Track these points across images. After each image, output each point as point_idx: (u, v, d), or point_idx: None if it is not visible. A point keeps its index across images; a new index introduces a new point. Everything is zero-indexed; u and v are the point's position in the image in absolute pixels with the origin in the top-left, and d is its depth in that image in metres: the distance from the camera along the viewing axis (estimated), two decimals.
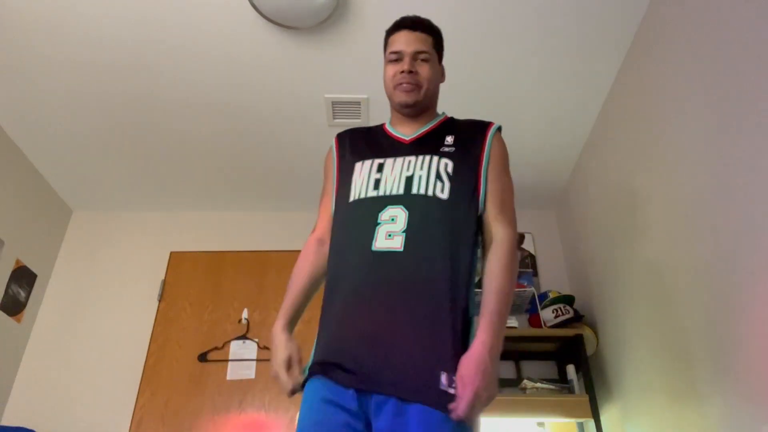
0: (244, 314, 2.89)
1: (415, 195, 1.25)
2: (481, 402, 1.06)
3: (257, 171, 2.94)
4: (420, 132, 1.40)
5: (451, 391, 1.07)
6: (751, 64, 1.48)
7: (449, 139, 1.36)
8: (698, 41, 1.73)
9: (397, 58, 1.39)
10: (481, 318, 1.15)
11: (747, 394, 1.51)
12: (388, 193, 1.27)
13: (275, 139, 2.71)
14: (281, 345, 1.24)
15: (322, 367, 1.17)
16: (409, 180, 1.28)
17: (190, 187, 3.06)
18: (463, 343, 1.14)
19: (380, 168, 1.32)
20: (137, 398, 2.69)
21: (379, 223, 1.23)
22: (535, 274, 3.02)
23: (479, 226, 1.29)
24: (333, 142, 1.49)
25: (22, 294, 2.77)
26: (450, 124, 1.44)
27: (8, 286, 2.65)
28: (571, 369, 2.49)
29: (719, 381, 1.64)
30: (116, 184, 3.03)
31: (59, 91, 2.40)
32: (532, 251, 3.09)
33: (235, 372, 2.75)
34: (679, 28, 1.84)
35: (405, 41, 1.39)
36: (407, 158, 1.32)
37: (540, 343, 2.63)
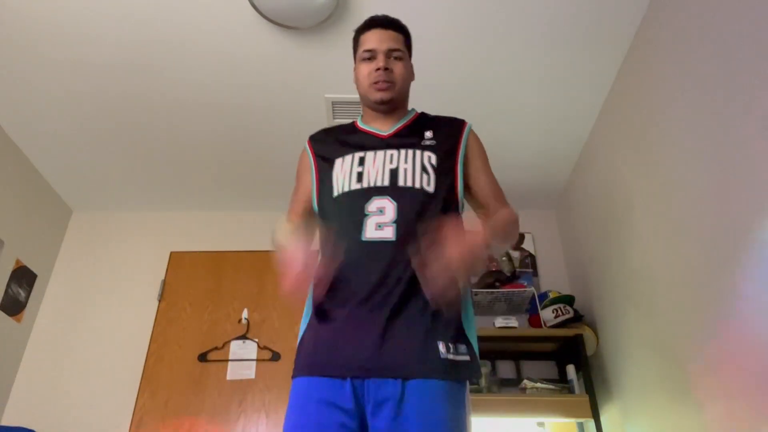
0: (244, 314, 2.89)
1: (402, 187, 1.27)
2: (462, 265, 1.06)
3: (257, 171, 2.94)
4: (397, 127, 1.41)
5: (451, 357, 1.11)
6: (751, 65, 1.48)
7: (428, 134, 1.38)
8: (698, 42, 1.73)
9: (371, 56, 1.39)
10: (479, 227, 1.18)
11: (746, 394, 1.51)
12: (372, 184, 1.28)
13: (275, 139, 2.71)
14: (295, 250, 1.15)
15: (313, 365, 1.16)
16: (393, 172, 1.29)
17: (190, 187, 3.06)
18: (457, 314, 1.18)
19: (361, 161, 1.33)
20: (137, 398, 2.69)
21: (367, 215, 1.24)
22: (535, 274, 3.02)
23: (458, 218, 1.32)
24: (306, 144, 1.48)
25: (22, 294, 2.77)
26: (425, 120, 1.46)
27: (8, 286, 2.65)
28: (571, 369, 2.49)
29: (719, 381, 1.64)
30: (116, 184, 3.03)
31: (59, 91, 2.40)
32: (532, 251, 3.09)
33: (235, 372, 2.75)
34: (679, 29, 1.84)
35: (378, 39, 1.40)
36: (388, 151, 1.33)
37: (540, 343, 2.64)
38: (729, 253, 1.58)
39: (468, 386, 1.17)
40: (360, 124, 1.46)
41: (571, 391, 2.43)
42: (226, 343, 2.82)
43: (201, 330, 2.86)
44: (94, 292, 2.97)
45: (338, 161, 1.36)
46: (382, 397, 1.08)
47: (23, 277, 2.77)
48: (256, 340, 2.82)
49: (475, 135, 1.44)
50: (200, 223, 3.22)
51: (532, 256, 3.07)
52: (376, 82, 1.37)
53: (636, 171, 2.18)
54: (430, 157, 1.32)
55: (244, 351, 2.80)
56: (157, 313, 2.92)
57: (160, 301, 2.96)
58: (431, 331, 1.14)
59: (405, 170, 1.29)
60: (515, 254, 3.05)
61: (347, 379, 1.11)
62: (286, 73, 2.34)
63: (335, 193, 1.31)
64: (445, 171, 1.32)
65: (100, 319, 2.89)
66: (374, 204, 1.25)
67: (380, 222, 1.23)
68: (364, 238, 1.21)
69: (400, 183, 1.27)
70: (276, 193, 3.11)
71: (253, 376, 2.74)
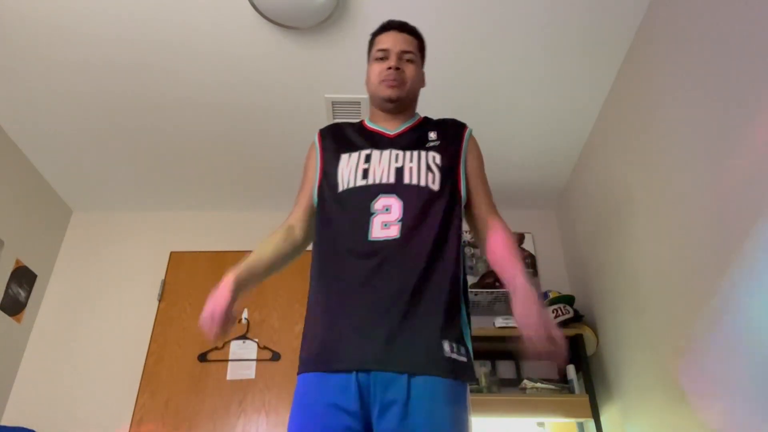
0: (244, 314, 2.89)
1: (407, 185, 1.28)
2: (552, 328, 1.10)
3: (257, 171, 2.94)
4: (403, 127, 1.44)
5: (454, 356, 1.13)
6: (751, 65, 1.48)
7: (432, 135, 1.41)
8: (698, 42, 1.73)
9: (384, 56, 1.43)
10: (505, 265, 1.22)
11: (746, 394, 1.50)
12: (378, 182, 1.29)
13: (275, 138, 2.71)
14: (227, 288, 1.23)
15: (318, 360, 1.16)
16: (399, 171, 1.31)
17: (190, 187, 3.06)
18: (459, 315, 1.21)
19: (368, 158, 1.34)
20: (137, 398, 2.69)
21: (373, 213, 1.25)
22: (535, 274, 3.02)
23: (461, 217, 1.35)
24: (315, 137, 1.50)
25: (22, 294, 2.77)
26: (429, 123, 1.49)
27: (8, 286, 2.65)
28: (571, 369, 2.49)
29: (719, 381, 1.64)
30: (116, 184, 3.03)
31: (59, 91, 2.40)
32: (532, 251, 3.09)
33: (235, 372, 2.75)
34: (679, 29, 1.84)
35: (392, 41, 1.44)
36: (394, 151, 1.35)
37: None
38: (729, 252, 1.58)
39: (468, 388, 1.18)
40: (367, 123, 1.49)
41: (571, 391, 2.43)
42: (226, 343, 2.82)
43: (201, 330, 2.86)
44: (94, 292, 2.97)
45: (344, 157, 1.37)
46: (389, 399, 1.08)
47: (23, 277, 2.77)
48: (256, 340, 2.82)
49: (475, 140, 1.47)
50: (200, 223, 3.22)
51: (532, 257, 3.07)
52: (385, 80, 1.40)
53: (636, 171, 2.18)
54: (435, 157, 1.34)
55: (244, 351, 2.80)
56: (157, 313, 2.92)
57: (160, 301, 2.96)
58: (437, 329, 1.15)
59: (410, 169, 1.31)
60: None
61: (353, 374, 1.10)
62: (286, 73, 2.34)
63: (340, 189, 1.32)
64: (449, 170, 1.35)
65: (100, 319, 2.89)
66: (380, 202, 1.26)
67: (386, 221, 1.24)
68: (370, 238, 1.22)
69: (406, 181, 1.29)
70: (276, 192, 3.11)
71: (253, 376, 2.74)
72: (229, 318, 1.23)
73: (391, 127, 1.44)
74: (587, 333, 2.53)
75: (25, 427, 2.42)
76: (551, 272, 3.03)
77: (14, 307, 2.71)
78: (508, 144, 2.73)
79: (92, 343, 2.83)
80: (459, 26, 2.14)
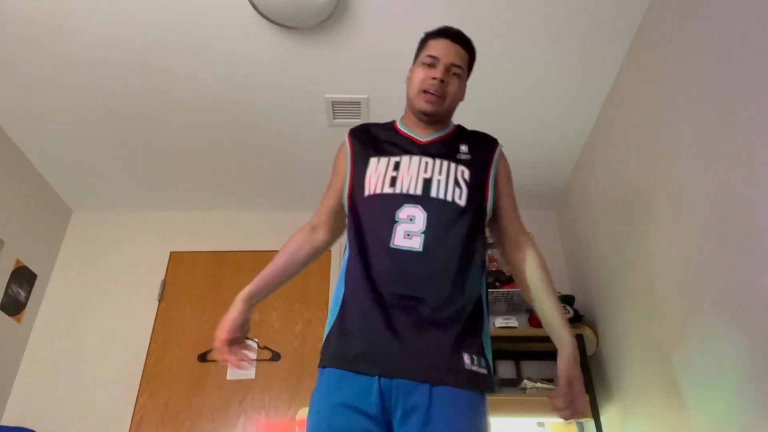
0: None
1: (434, 198, 1.28)
2: (578, 396, 1.23)
3: (257, 171, 2.94)
4: (435, 136, 1.43)
5: (474, 369, 1.15)
6: (751, 62, 1.48)
7: (464, 148, 1.40)
8: (698, 41, 1.73)
9: (432, 63, 1.40)
10: (554, 317, 1.29)
11: (747, 394, 1.51)
12: (404, 191, 1.29)
13: (275, 138, 2.71)
14: (237, 312, 1.35)
15: (344, 358, 1.17)
16: (427, 182, 1.30)
17: (190, 187, 3.06)
18: (480, 329, 1.23)
19: (396, 166, 1.33)
20: (137, 398, 2.69)
21: (397, 221, 1.25)
22: None
23: (484, 232, 1.37)
24: (346, 138, 1.49)
25: (22, 294, 2.77)
26: (462, 133, 1.48)
27: (8, 286, 2.65)
28: None
29: (719, 381, 1.64)
30: (116, 184, 3.03)
31: (59, 90, 2.40)
32: None
33: (235, 372, 2.75)
34: (679, 28, 1.84)
35: (445, 50, 1.41)
36: (423, 159, 1.34)
37: (540, 343, 2.63)
38: (729, 253, 1.58)
39: (486, 398, 1.19)
40: (399, 126, 1.47)
41: None
42: None
43: (201, 330, 2.86)
44: (94, 292, 2.97)
45: (373, 161, 1.37)
46: (411, 404, 1.09)
47: (23, 277, 2.78)
48: (256, 340, 2.82)
49: (504, 157, 1.48)
50: (200, 223, 3.22)
51: None
52: (426, 91, 1.38)
53: (636, 171, 2.18)
54: (464, 172, 1.34)
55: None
56: (157, 313, 2.92)
57: (160, 301, 2.96)
58: (458, 341, 1.16)
59: (438, 181, 1.30)
60: None
61: (375, 378, 1.11)
62: (286, 73, 2.34)
63: (366, 193, 1.32)
64: (477, 186, 1.34)
65: (100, 319, 2.89)
66: (405, 211, 1.26)
67: (409, 231, 1.24)
68: (392, 245, 1.22)
69: (433, 194, 1.28)
70: (276, 192, 3.11)
71: (253, 376, 2.74)
72: (241, 337, 1.35)
73: (423, 134, 1.42)
74: (587, 333, 2.53)
75: (25, 427, 2.43)
76: (551, 272, 3.02)
77: (14, 307, 2.71)
78: (508, 144, 2.68)
79: (92, 343, 2.82)
80: (459, 26, 2.13)
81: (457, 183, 1.31)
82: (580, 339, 2.50)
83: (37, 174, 2.90)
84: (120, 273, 3.03)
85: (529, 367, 2.75)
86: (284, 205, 3.18)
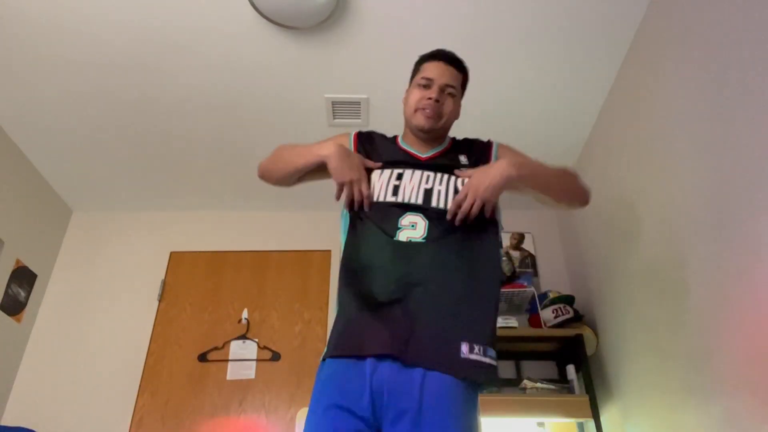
0: (244, 314, 2.89)
1: (434, 208, 1.33)
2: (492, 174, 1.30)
3: (257, 171, 2.93)
4: (435, 152, 1.48)
5: (471, 357, 1.16)
6: (750, 64, 1.48)
7: (463, 158, 1.46)
8: (697, 42, 1.73)
9: (427, 84, 1.45)
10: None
11: (747, 394, 1.51)
12: (407, 200, 1.34)
13: (275, 139, 2.70)
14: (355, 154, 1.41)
15: (342, 345, 1.20)
16: (428, 192, 1.35)
17: (190, 187, 3.06)
18: (486, 318, 1.24)
19: (399, 176, 1.39)
20: (137, 398, 2.69)
21: (400, 228, 1.30)
22: (535, 274, 3.02)
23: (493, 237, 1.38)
24: (352, 135, 1.53)
25: (22, 294, 2.77)
26: (458, 144, 1.53)
27: (8, 286, 2.65)
28: (571, 369, 2.49)
29: (719, 381, 1.64)
30: (116, 184, 3.03)
31: (59, 91, 2.40)
32: (532, 251, 3.09)
33: (235, 372, 2.75)
34: (679, 29, 1.84)
35: (439, 72, 1.46)
36: (425, 172, 1.39)
37: (540, 343, 2.63)
38: (728, 253, 1.58)
39: (478, 393, 1.21)
40: (400, 142, 1.52)
41: (571, 391, 2.43)
42: (226, 343, 2.82)
43: (201, 330, 2.86)
44: (94, 292, 2.97)
45: (376, 171, 1.42)
46: (402, 408, 1.11)
47: (23, 277, 2.78)
48: (256, 340, 2.82)
49: (505, 146, 1.53)
50: (200, 223, 3.22)
51: (532, 256, 3.07)
52: (423, 108, 1.43)
53: (636, 171, 2.18)
54: (464, 181, 1.37)
55: (244, 351, 2.80)
56: (157, 313, 2.92)
57: (160, 301, 2.96)
58: (455, 330, 1.18)
59: (439, 192, 1.35)
60: (515, 254, 3.05)
61: (367, 380, 1.13)
62: (286, 73, 2.34)
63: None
64: None
65: (100, 319, 2.89)
66: (407, 219, 1.32)
67: (411, 237, 1.29)
68: (395, 239, 1.28)
69: (433, 204, 1.33)
70: (276, 192, 3.09)
71: (253, 376, 2.74)
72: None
73: (423, 150, 1.48)
74: (587, 333, 2.53)
75: (25, 427, 2.42)
76: (551, 272, 3.03)
77: (14, 307, 2.71)
78: (507, 143, 2.73)
79: (92, 343, 2.82)
80: (458, 27, 2.14)
81: (457, 192, 1.35)
82: (580, 339, 2.50)
83: (37, 174, 2.90)
84: (120, 273, 3.03)
85: (529, 367, 2.75)
86: (284, 205, 3.18)
